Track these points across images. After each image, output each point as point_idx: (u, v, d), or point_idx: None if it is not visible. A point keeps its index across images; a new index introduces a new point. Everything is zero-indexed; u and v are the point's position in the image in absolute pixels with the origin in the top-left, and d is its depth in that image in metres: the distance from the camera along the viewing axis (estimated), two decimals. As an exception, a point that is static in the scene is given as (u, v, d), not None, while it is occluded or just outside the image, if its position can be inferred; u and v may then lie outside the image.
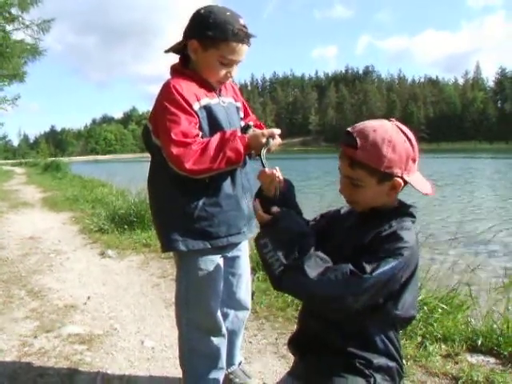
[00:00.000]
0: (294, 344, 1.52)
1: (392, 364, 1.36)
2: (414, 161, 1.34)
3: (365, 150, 1.29)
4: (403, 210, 1.38)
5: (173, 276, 3.82)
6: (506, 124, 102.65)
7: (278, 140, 1.70)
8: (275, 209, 1.33)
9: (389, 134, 1.30)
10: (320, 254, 1.27)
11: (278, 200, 1.38)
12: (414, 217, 1.38)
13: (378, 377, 1.32)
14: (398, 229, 1.30)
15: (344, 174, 1.37)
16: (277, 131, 1.68)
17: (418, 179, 1.37)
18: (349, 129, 1.35)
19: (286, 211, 1.33)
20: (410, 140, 1.33)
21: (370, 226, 1.34)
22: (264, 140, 1.62)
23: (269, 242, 1.28)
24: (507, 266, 3.15)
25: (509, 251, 6.07)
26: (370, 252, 1.26)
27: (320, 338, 1.39)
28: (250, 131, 1.73)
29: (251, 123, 1.82)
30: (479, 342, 2.49)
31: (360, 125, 1.35)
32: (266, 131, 1.66)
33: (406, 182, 1.34)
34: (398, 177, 1.31)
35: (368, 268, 1.21)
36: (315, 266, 1.23)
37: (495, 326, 2.59)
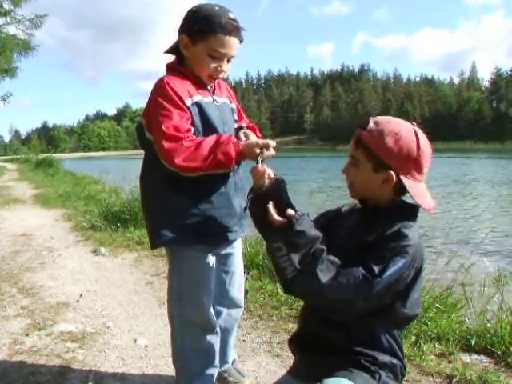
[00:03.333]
0: (295, 343, 1.54)
1: (396, 362, 1.38)
2: (416, 165, 1.34)
3: (371, 133, 1.34)
4: (406, 210, 1.39)
5: (166, 274, 3.79)
6: (500, 124, 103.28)
7: (271, 152, 1.66)
8: (290, 212, 1.31)
9: (399, 128, 1.34)
10: (331, 257, 1.28)
11: (266, 195, 1.37)
12: (416, 216, 1.39)
13: (383, 373, 1.34)
14: (402, 227, 1.32)
15: (350, 152, 1.42)
16: (272, 143, 1.65)
17: (417, 188, 1.36)
18: (371, 117, 1.41)
19: (301, 215, 1.32)
20: (418, 144, 1.34)
21: (373, 225, 1.36)
22: (258, 150, 1.60)
23: (283, 245, 1.28)
24: (501, 265, 3.17)
25: (503, 250, 6.11)
26: (375, 251, 1.28)
27: (323, 338, 1.40)
28: (242, 132, 1.73)
29: (244, 125, 1.82)
30: (473, 341, 2.49)
31: (383, 116, 1.40)
32: (261, 141, 1.64)
33: (403, 187, 1.34)
34: (393, 171, 1.33)
35: (376, 270, 1.23)
36: (327, 270, 1.24)
37: (489, 325, 2.60)
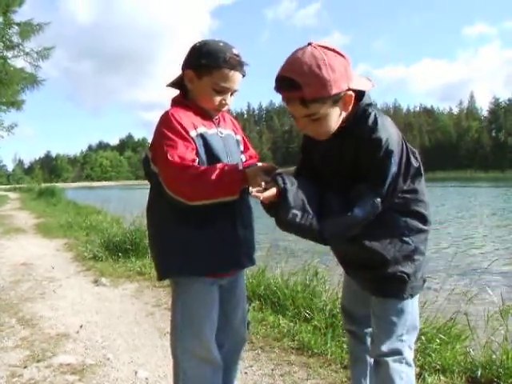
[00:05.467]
0: (340, 262, 1.78)
1: (407, 248, 1.54)
2: (349, 66, 1.41)
3: (309, 85, 1.33)
4: (360, 109, 1.47)
5: (167, 305, 3.77)
6: (500, 153, 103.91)
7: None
8: (274, 189, 1.41)
9: (319, 58, 1.34)
10: (331, 193, 1.44)
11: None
12: (370, 104, 1.48)
13: (407, 268, 1.53)
14: (370, 132, 1.41)
15: (300, 115, 1.44)
16: (276, 168, 1.68)
17: (359, 80, 1.47)
18: (280, 74, 1.39)
19: (283, 178, 1.42)
20: (336, 51, 1.38)
21: (345, 143, 1.48)
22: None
23: (294, 210, 1.38)
24: (505, 296, 3.14)
25: (506, 280, 6.05)
26: (367, 163, 1.42)
27: (352, 260, 1.67)
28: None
29: (259, 164, 1.85)
30: (479, 374, 2.45)
31: (286, 67, 1.39)
32: (265, 166, 1.67)
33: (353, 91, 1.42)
34: (346, 90, 1.39)
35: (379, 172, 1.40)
36: (339, 202, 1.40)
37: (494, 356, 2.56)
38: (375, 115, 1.44)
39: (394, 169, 1.40)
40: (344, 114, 1.45)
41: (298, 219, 1.37)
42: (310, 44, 1.38)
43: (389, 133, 1.41)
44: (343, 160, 1.49)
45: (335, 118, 1.43)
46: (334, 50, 1.37)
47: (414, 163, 1.52)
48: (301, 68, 1.33)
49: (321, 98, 1.35)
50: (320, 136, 1.51)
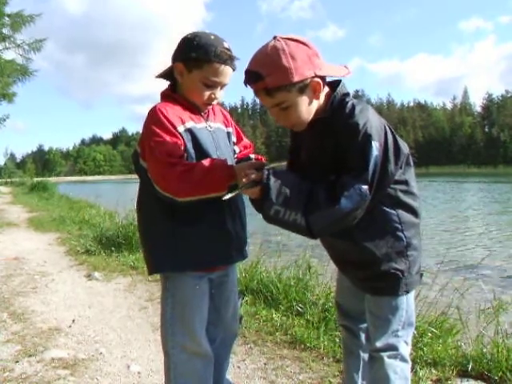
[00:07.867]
0: (333, 261, 1.78)
1: (400, 243, 1.52)
2: (316, 56, 1.42)
3: (271, 75, 1.37)
4: (335, 99, 1.47)
5: (160, 299, 3.76)
6: (493, 149, 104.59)
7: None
8: (258, 186, 1.41)
9: (279, 48, 1.37)
10: (318, 187, 1.40)
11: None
12: (346, 95, 1.48)
13: (401, 264, 1.52)
14: (347, 118, 1.40)
15: (269, 105, 1.46)
16: (264, 163, 1.67)
17: (331, 68, 1.47)
18: (247, 68, 1.43)
19: (267, 173, 1.41)
20: (300, 41, 1.40)
21: (325, 134, 1.47)
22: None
23: (276, 206, 1.38)
24: (496, 290, 3.16)
25: (498, 274, 6.10)
26: (348, 154, 1.39)
27: (344, 259, 1.67)
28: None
29: (252, 156, 1.83)
30: (469, 367, 2.47)
31: (251, 61, 1.43)
32: (254, 163, 1.66)
33: (322, 79, 1.43)
34: (313, 77, 1.40)
35: (361, 163, 1.36)
36: (324, 196, 1.37)
37: (485, 350, 2.58)
38: (353, 103, 1.44)
39: (375, 153, 1.36)
40: (316, 103, 1.46)
41: (280, 215, 1.38)
42: (275, 37, 1.42)
43: (367, 118, 1.39)
44: (326, 153, 1.48)
45: (304, 106, 1.44)
46: (297, 41, 1.39)
47: (404, 149, 1.49)
48: (263, 60, 1.39)
49: (283, 85, 1.37)
50: (294, 126, 1.52)
